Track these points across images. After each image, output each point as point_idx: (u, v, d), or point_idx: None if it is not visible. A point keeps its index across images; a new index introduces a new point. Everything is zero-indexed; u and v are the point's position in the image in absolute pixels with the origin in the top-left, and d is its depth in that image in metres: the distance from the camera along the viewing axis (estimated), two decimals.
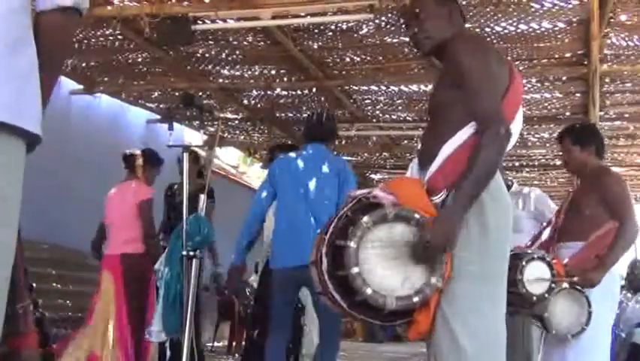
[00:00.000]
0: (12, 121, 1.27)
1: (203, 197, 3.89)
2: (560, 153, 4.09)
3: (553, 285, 3.42)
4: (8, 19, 1.28)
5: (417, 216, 2.08)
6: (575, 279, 3.53)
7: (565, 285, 3.51)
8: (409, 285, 2.07)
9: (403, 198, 2.13)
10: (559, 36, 6.04)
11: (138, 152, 5.13)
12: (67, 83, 7.63)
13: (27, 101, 1.32)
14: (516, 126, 2.34)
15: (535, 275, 3.38)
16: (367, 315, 2.15)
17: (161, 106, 8.83)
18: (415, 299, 2.06)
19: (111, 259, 5.00)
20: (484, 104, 2.15)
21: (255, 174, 15.24)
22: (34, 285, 6.75)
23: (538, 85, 7.29)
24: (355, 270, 2.02)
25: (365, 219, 2.05)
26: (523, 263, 3.33)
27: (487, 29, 5.92)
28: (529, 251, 3.52)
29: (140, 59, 7.11)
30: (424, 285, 2.07)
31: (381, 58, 6.72)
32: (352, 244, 2.03)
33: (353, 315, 2.16)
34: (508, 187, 5.11)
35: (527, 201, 5.02)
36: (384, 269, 2.06)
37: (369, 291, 2.02)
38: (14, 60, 1.28)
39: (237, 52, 6.75)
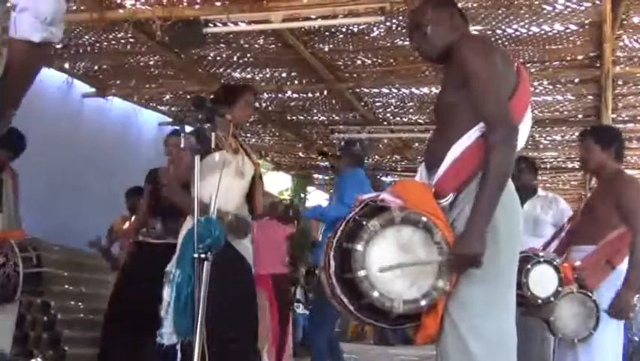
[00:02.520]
0: None
1: (214, 199, 3.89)
2: (573, 156, 4.07)
3: (560, 289, 3.40)
4: None
5: (424, 219, 2.07)
6: (610, 304, 3.49)
7: (572, 289, 3.49)
8: (416, 288, 2.06)
9: (410, 201, 2.13)
10: (571, 38, 6.01)
11: None
12: (79, 86, 7.68)
13: None
14: (525, 128, 2.33)
15: (541, 279, 3.37)
16: (374, 318, 2.14)
17: (172, 109, 8.86)
18: (423, 303, 2.05)
19: (262, 278, 5.70)
20: (490, 104, 2.14)
21: (267, 179, 15.24)
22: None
23: (550, 87, 7.25)
24: (362, 273, 2.02)
25: (372, 222, 2.05)
26: (529, 266, 3.32)
27: (499, 31, 5.89)
28: (539, 254, 3.51)
29: (151, 62, 7.14)
30: (432, 288, 2.06)
31: (392, 60, 6.71)
32: (359, 247, 2.03)
33: (360, 318, 2.16)
34: (534, 191, 5.09)
35: (553, 207, 4.97)
36: (392, 272, 2.05)
37: (375, 294, 2.01)
38: None
39: (248, 55, 6.76)
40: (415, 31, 2.44)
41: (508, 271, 2.23)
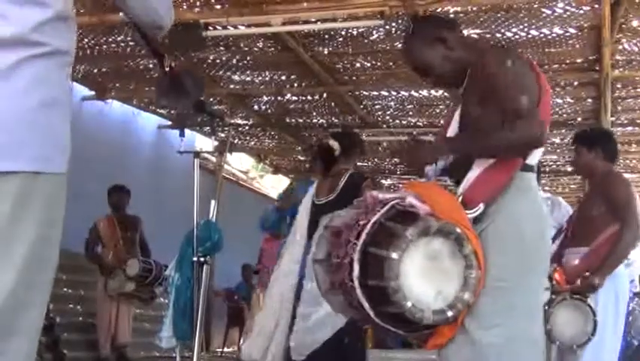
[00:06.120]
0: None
1: (213, 202, 3.90)
2: (571, 159, 4.11)
3: (553, 296, 3.40)
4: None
5: (458, 230, 2.04)
6: (577, 283, 3.53)
7: (566, 295, 3.49)
8: (441, 298, 2.04)
9: (438, 208, 2.09)
10: (570, 42, 6.02)
11: None
12: (78, 89, 7.68)
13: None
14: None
15: None
16: (393, 324, 2.11)
17: (172, 112, 8.86)
18: (449, 314, 2.04)
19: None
20: (522, 101, 2.12)
21: (268, 182, 15.25)
22: None
23: (550, 90, 7.25)
24: (397, 283, 1.97)
25: (410, 231, 2.00)
26: None
27: (498, 35, 5.90)
28: None
29: (151, 65, 7.14)
30: (456, 299, 2.04)
31: (391, 63, 6.71)
32: (395, 256, 1.98)
33: (377, 323, 2.11)
34: None
35: (555, 209, 4.99)
36: (420, 282, 2.03)
37: (409, 304, 1.98)
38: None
39: (248, 58, 6.77)
40: (422, 72, 2.42)
41: (536, 281, 2.23)
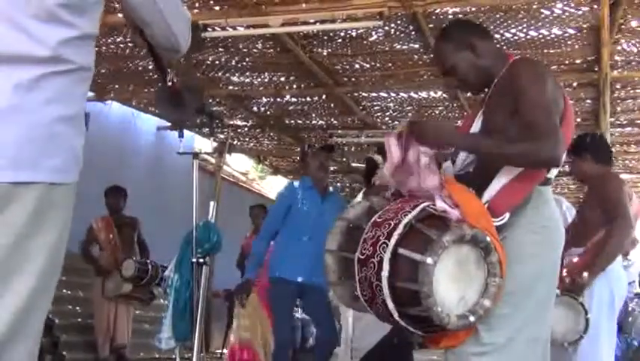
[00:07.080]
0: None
1: (212, 203, 3.90)
2: (570, 161, 4.14)
3: None
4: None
5: (488, 239, 2.06)
6: (566, 282, 3.55)
7: (557, 292, 3.51)
8: (462, 303, 2.07)
9: (468, 214, 2.11)
10: (569, 42, 6.02)
11: None
12: None
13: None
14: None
15: None
16: (413, 325, 2.13)
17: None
18: (472, 319, 2.06)
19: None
20: (540, 117, 2.12)
21: (267, 184, 15.25)
22: None
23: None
24: (430, 288, 1.98)
25: (447, 238, 2.01)
26: None
27: (497, 35, 5.90)
28: None
29: (150, 66, 7.13)
30: (477, 305, 2.07)
31: (390, 65, 6.72)
32: (430, 261, 1.98)
33: (400, 324, 2.12)
34: None
35: (559, 209, 5.04)
36: (446, 287, 2.04)
37: (439, 309, 1.99)
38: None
39: (247, 59, 6.77)
40: (446, 74, 2.44)
41: (543, 285, 2.26)
